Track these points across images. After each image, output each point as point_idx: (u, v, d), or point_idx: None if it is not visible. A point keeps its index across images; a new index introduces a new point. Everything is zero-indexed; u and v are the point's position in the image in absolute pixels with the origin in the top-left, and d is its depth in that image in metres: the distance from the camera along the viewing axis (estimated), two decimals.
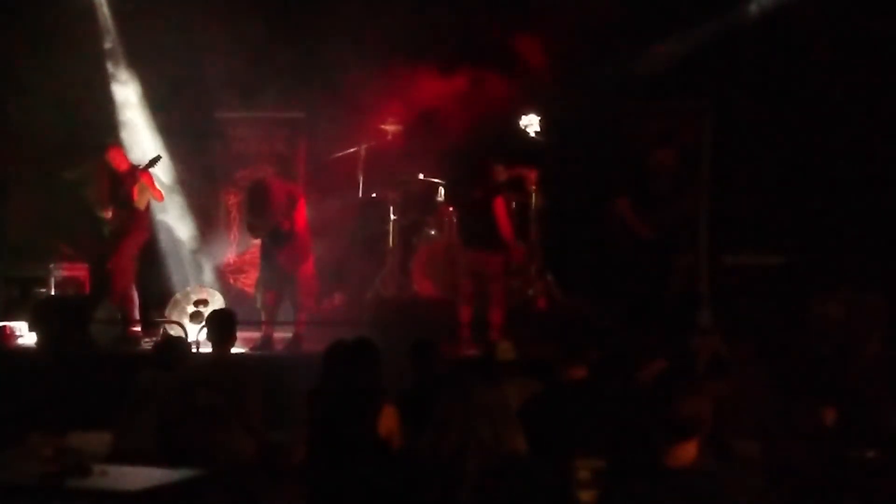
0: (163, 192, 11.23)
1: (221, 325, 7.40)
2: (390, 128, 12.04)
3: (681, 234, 10.39)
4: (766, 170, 11.32)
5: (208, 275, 12.39)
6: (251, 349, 10.29)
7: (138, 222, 10.93)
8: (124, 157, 11.08)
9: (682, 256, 10.39)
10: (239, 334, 7.63)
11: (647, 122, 11.93)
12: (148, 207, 11.06)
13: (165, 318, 10.92)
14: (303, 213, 10.65)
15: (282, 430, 7.19)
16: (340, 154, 12.04)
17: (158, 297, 11.39)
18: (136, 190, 10.74)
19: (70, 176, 11.97)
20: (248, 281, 12.32)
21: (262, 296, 10.72)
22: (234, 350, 7.76)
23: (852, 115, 10.96)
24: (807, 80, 11.17)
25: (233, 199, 12.66)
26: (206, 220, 12.66)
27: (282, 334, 10.71)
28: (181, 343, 8.49)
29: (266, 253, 10.73)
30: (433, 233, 11.66)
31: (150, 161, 10.91)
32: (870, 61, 10.93)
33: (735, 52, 11.34)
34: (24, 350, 10.50)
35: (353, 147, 11.99)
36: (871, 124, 10.91)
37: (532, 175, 11.17)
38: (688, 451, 4.46)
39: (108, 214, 10.82)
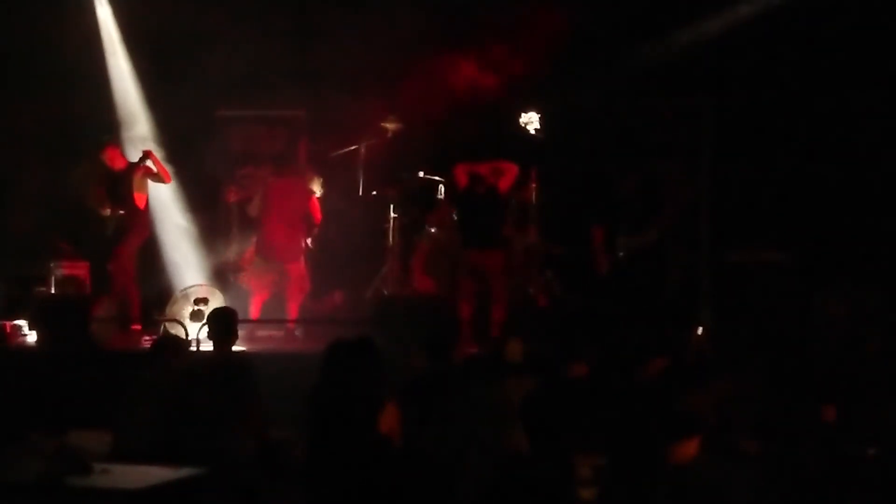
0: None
1: (222, 324, 7.41)
2: (390, 125, 12.02)
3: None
4: (768, 166, 11.30)
5: (208, 273, 12.35)
6: None
7: (138, 221, 10.95)
8: (121, 155, 11.18)
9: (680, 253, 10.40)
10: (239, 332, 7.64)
11: (649, 120, 11.91)
12: (147, 206, 11.08)
13: (166, 316, 10.91)
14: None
15: (282, 429, 7.18)
16: (341, 152, 12.02)
17: (159, 295, 11.37)
18: (135, 186, 10.77)
19: (73, 176, 11.94)
20: (249, 279, 12.29)
21: None
22: (234, 348, 7.76)
23: (854, 111, 10.95)
24: (808, 76, 11.16)
25: (232, 197, 12.63)
26: (206, 217, 12.62)
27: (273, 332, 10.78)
28: (180, 342, 8.47)
29: None
30: (433, 231, 11.64)
31: (140, 158, 11.03)
32: (871, 58, 10.91)
33: (737, 48, 11.32)
34: (25, 348, 10.49)
35: (353, 145, 11.98)
36: (873, 121, 10.89)
37: (513, 169, 10.98)
38: (689, 449, 4.46)
39: (108, 211, 10.89)
